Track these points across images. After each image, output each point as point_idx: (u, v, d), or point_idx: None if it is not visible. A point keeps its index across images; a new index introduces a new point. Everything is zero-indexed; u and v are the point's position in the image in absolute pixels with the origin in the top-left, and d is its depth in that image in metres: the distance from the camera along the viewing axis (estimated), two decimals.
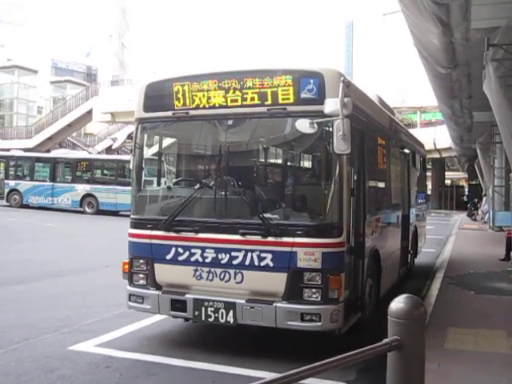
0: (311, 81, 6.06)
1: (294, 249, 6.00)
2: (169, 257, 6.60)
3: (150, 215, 7.00)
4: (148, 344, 6.90)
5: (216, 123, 6.81)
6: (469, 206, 45.35)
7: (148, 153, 7.58)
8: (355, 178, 6.94)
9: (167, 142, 8.02)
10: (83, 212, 30.28)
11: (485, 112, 18.82)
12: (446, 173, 65.48)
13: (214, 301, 6.27)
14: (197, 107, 6.60)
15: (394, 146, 10.17)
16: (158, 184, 7.91)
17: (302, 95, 6.09)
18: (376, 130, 8.36)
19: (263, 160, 7.80)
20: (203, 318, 6.34)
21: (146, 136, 7.25)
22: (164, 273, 6.66)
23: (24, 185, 32.18)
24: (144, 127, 7.12)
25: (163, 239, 6.64)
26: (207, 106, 6.54)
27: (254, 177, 7.50)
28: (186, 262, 6.50)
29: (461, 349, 6.53)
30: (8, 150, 38.44)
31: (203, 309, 6.31)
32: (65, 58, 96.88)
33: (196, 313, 6.36)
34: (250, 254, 6.19)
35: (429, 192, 64.86)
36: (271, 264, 6.10)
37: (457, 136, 32.51)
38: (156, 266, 6.67)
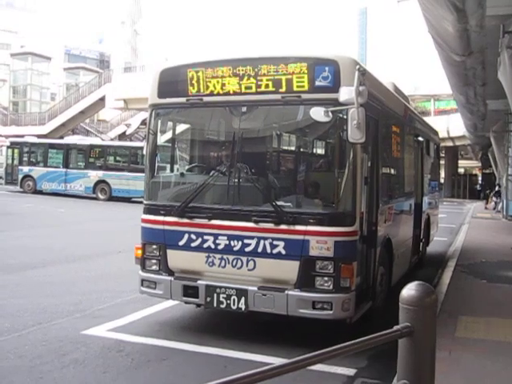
0: (326, 68, 6.01)
1: (307, 237, 5.99)
2: (181, 243, 6.62)
3: (163, 201, 7.02)
4: (160, 329, 6.96)
5: (230, 110, 6.78)
6: (483, 195, 45.56)
7: (162, 139, 7.60)
8: (369, 166, 6.94)
9: (181, 128, 8.05)
10: (96, 198, 30.45)
11: (499, 100, 18.71)
12: (460, 161, 65.08)
13: (226, 287, 6.28)
14: (211, 94, 6.57)
15: (408, 134, 10.10)
16: (172, 170, 7.93)
17: (317, 83, 6.04)
18: (390, 118, 8.31)
19: (277, 148, 7.73)
20: (215, 305, 6.36)
21: (159, 122, 7.24)
22: (176, 259, 6.69)
23: (37, 171, 32.43)
24: (158, 113, 7.13)
25: (176, 225, 6.66)
26: (221, 92, 6.52)
27: (267, 164, 7.46)
28: (199, 249, 6.52)
29: (472, 337, 6.52)
30: (22, 136, 38.70)
31: (215, 295, 6.33)
32: (78, 45, 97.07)
33: (208, 299, 6.38)
34: (262, 242, 6.19)
35: (442, 180, 64.74)
36: (283, 252, 6.10)
37: (471, 124, 32.28)
38: (169, 251, 6.70)
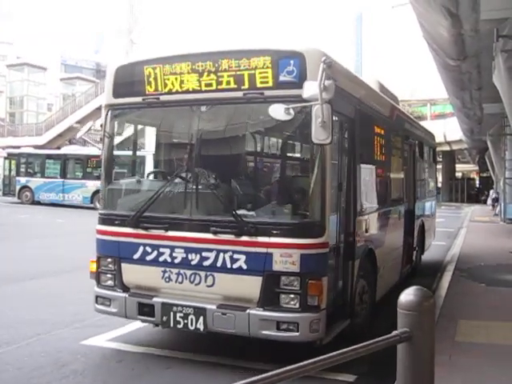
0: (291, 62, 5.46)
1: (270, 250, 5.45)
2: (136, 256, 6.10)
3: (117, 210, 6.49)
4: (161, 338, 6.93)
5: (189, 110, 6.18)
6: (483, 198, 46.23)
7: (118, 142, 7.11)
8: (345, 171, 6.44)
9: (138, 130, 7.58)
10: (94, 208, 30.39)
11: (495, 104, 18.76)
12: (457, 165, 65.18)
13: (183, 306, 5.74)
14: (169, 92, 6.07)
15: (397, 136, 9.52)
16: (128, 176, 7.52)
17: (281, 78, 5.50)
18: (372, 119, 7.71)
19: (238, 151, 6.95)
20: (171, 324, 5.85)
21: (115, 124, 6.72)
22: (131, 273, 6.18)
23: (35, 182, 32.37)
24: (114, 114, 6.60)
25: (130, 237, 6.14)
26: (180, 90, 6.01)
27: (227, 169, 6.59)
28: (155, 263, 5.99)
29: (472, 341, 6.51)
30: (19, 147, 38.69)
31: (172, 314, 5.79)
32: (74, 55, 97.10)
33: (164, 318, 5.86)
34: (221, 255, 5.66)
35: (439, 185, 64.79)
36: (245, 266, 5.56)
37: (467, 128, 32.38)
38: (123, 265, 6.19)
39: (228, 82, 5.76)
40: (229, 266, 5.63)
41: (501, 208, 28.34)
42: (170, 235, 5.93)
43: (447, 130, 46.68)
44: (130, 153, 7.51)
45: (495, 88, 13.49)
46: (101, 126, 6.59)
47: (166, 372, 5.81)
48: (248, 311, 5.52)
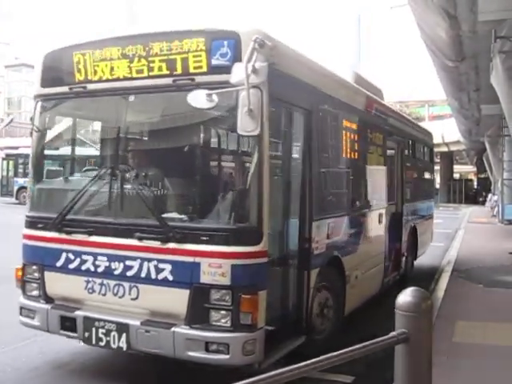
0: (225, 43, 4.81)
1: (197, 259, 4.81)
2: (59, 264, 5.48)
3: (43, 213, 5.86)
4: None
5: (119, 100, 5.50)
6: (480, 199, 46.46)
7: (47, 137, 6.27)
8: (299, 169, 5.76)
9: (67, 123, 6.78)
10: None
11: (493, 105, 18.77)
12: (455, 166, 65.21)
13: (105, 321, 5.11)
14: (98, 80, 5.43)
15: (376, 133, 8.51)
16: (56, 175, 6.96)
17: (214, 62, 4.85)
18: (339, 111, 6.88)
19: (168, 146, 6.01)
20: (94, 342, 5.20)
21: (44, 117, 6.02)
22: (55, 283, 5.54)
23: None
24: (42, 106, 5.93)
25: (53, 242, 5.54)
26: (110, 78, 5.37)
27: (156, 167, 5.90)
28: (77, 271, 5.36)
29: (469, 342, 6.52)
30: (17, 147, 38.63)
31: (94, 330, 5.15)
32: None
33: (86, 334, 5.22)
34: (146, 264, 5.03)
35: (437, 186, 64.86)
36: (170, 277, 4.92)
37: (465, 129, 32.44)
38: (46, 274, 5.58)
39: (160, 68, 5.11)
40: (153, 276, 5.00)
41: (499, 209, 28.36)
42: (92, 241, 5.32)
43: (445, 131, 46.68)
44: (60, 149, 6.84)
45: (493, 89, 13.51)
46: (30, 119, 6.00)
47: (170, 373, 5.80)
48: (173, 329, 4.84)
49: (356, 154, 7.44)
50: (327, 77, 6.75)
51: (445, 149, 51.20)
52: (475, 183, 65.08)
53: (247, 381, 2.27)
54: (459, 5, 9.48)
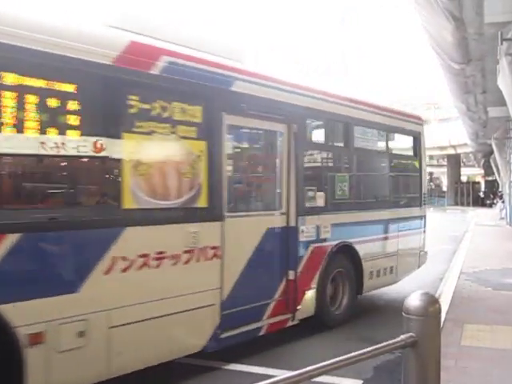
0: None
1: None
2: None
3: None
4: None
5: None
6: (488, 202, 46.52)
7: None
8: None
9: None
10: None
11: (500, 107, 18.74)
12: (462, 169, 65.08)
13: None
14: None
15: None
16: None
17: None
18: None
19: None
20: None
21: None
22: None
23: None
24: None
25: None
26: None
27: None
28: None
29: (478, 346, 6.48)
30: None
31: None
32: None
33: None
34: None
35: (444, 188, 64.65)
36: None
37: (472, 132, 32.36)
38: None
39: None
40: None
41: (507, 212, 28.27)
42: None
43: (452, 133, 46.63)
44: None
45: (500, 91, 13.48)
46: None
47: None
48: None
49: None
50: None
51: (452, 151, 51.17)
52: (483, 186, 64.88)
53: None
54: (465, 7, 9.46)
